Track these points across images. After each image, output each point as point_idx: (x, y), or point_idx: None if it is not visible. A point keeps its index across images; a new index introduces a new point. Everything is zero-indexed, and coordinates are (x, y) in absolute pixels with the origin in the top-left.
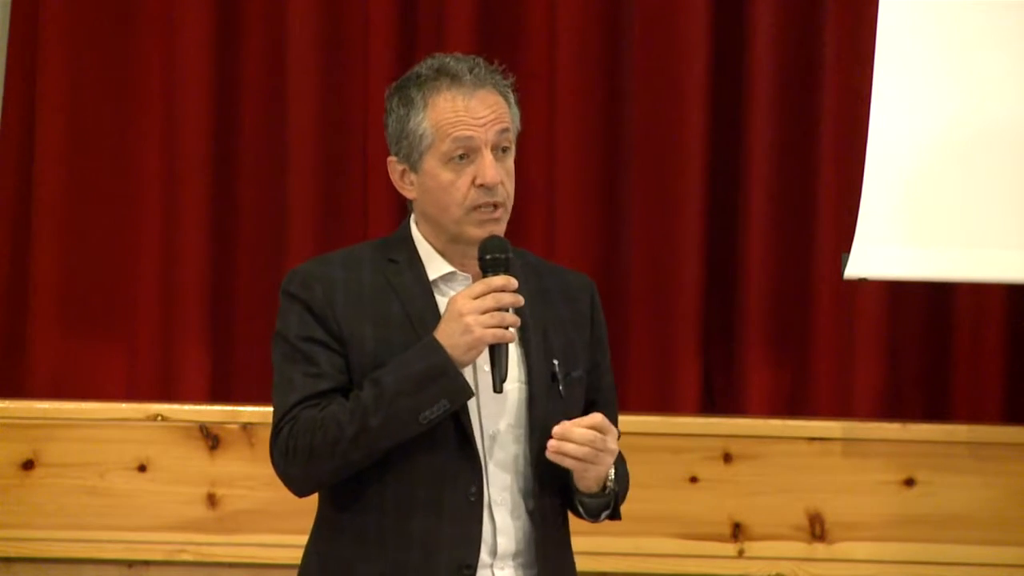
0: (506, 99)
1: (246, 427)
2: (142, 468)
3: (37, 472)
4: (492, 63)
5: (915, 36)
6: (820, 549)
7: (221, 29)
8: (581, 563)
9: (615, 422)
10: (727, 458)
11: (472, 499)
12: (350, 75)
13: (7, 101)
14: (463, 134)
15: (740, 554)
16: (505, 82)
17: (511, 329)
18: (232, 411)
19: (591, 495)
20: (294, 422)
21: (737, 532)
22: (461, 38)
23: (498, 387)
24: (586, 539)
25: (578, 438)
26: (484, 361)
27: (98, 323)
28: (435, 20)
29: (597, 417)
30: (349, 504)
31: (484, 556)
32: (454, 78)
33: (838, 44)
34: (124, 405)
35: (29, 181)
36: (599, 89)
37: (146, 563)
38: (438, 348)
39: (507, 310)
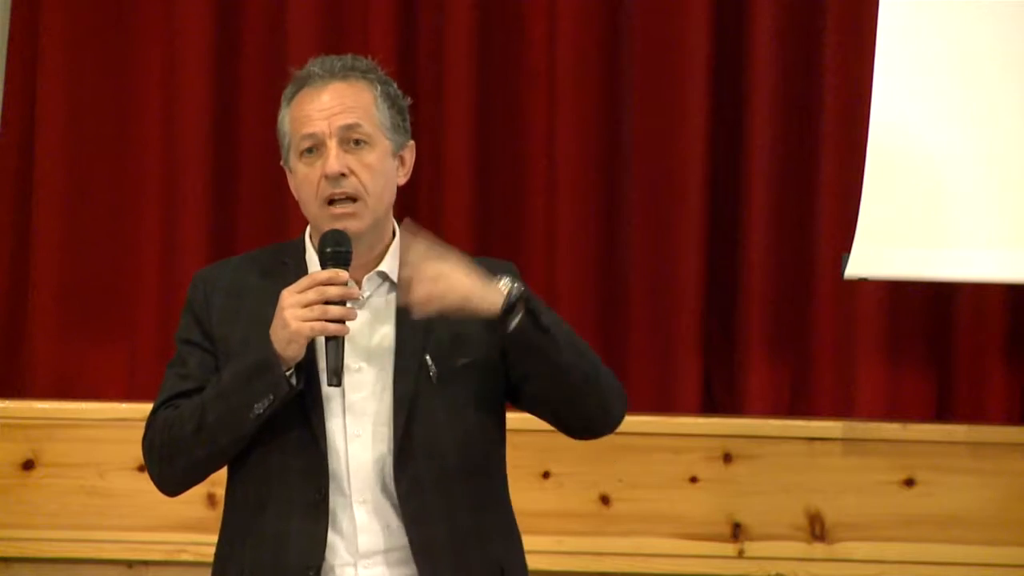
0: (369, 91)
1: None
2: (142, 468)
3: (37, 472)
4: (364, 57)
5: (915, 36)
6: (820, 549)
7: (221, 29)
8: (581, 563)
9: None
10: (727, 458)
11: (319, 498)
12: None
13: (7, 101)
14: (307, 129)
15: (740, 554)
16: (368, 75)
17: (350, 323)
18: None
19: (506, 317)
20: (154, 422)
21: (737, 532)
22: (461, 38)
23: (331, 380)
24: (586, 539)
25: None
26: (352, 359)
27: (98, 323)
28: (435, 20)
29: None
30: (229, 506)
31: (344, 555)
32: (310, 75)
33: (838, 44)
34: (124, 405)
35: (29, 181)
36: (599, 89)
37: (146, 563)
38: (267, 343)
39: (343, 303)
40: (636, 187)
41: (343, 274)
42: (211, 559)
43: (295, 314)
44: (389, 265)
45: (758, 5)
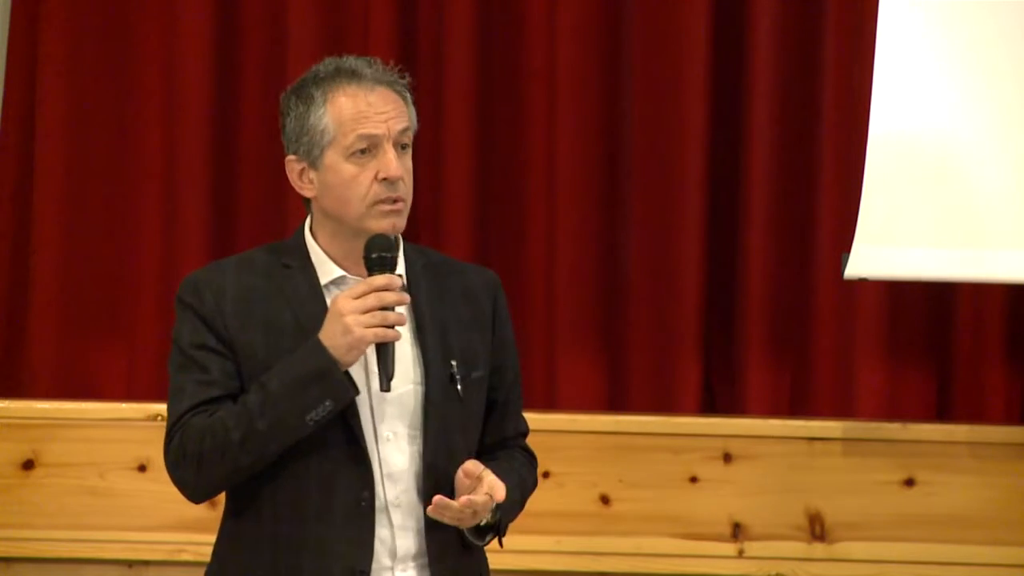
0: (404, 99)
1: None
2: (142, 468)
3: (37, 472)
4: (387, 64)
5: (915, 36)
6: (820, 549)
7: (221, 29)
8: (581, 563)
9: (519, 421)
10: (727, 458)
11: (364, 504)
12: None
13: (7, 101)
14: (367, 130)
15: (740, 554)
16: (402, 82)
17: (399, 328)
18: None
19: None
20: (184, 429)
21: (737, 532)
22: (461, 38)
23: (385, 386)
24: (586, 539)
25: (454, 512)
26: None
27: (98, 323)
28: (435, 20)
29: (477, 469)
30: (246, 510)
31: (384, 559)
32: (353, 74)
33: (838, 44)
34: (124, 405)
35: (29, 181)
36: (599, 89)
37: (146, 563)
38: (321, 349)
39: (392, 309)
40: (636, 187)
41: (398, 280)
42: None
43: (358, 320)
44: (400, 268)
45: (758, 5)
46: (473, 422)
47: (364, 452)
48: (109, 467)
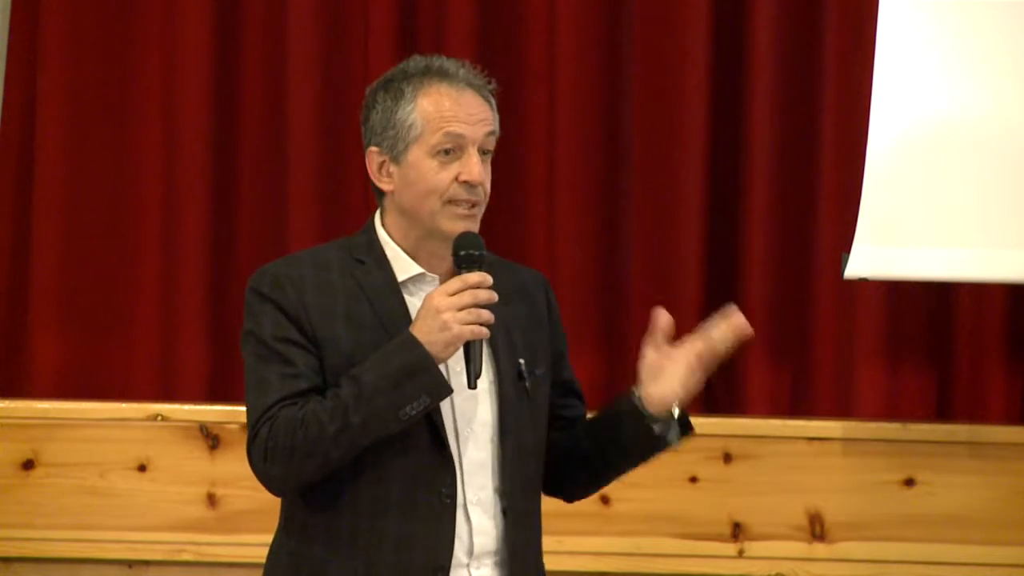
0: (490, 105)
1: (246, 427)
2: (142, 468)
3: (37, 472)
4: (476, 67)
5: (915, 35)
6: (820, 549)
7: (221, 30)
8: (581, 563)
9: (586, 410)
10: (727, 458)
11: (446, 500)
12: (350, 76)
13: (7, 101)
14: (455, 130)
15: (740, 554)
16: (490, 88)
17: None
18: (232, 411)
19: (659, 417)
20: (273, 421)
21: (737, 532)
22: (461, 38)
23: (472, 383)
24: (586, 539)
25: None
26: (454, 362)
27: (98, 323)
28: (435, 20)
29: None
30: (322, 504)
31: (461, 556)
32: (445, 74)
33: (838, 44)
34: (124, 405)
35: (29, 181)
36: (599, 89)
37: (146, 563)
38: (416, 344)
39: (483, 307)
40: (636, 186)
41: (489, 278)
42: (211, 559)
43: (455, 317)
44: None
45: (758, 5)
46: (541, 420)
47: (447, 448)
48: (109, 467)
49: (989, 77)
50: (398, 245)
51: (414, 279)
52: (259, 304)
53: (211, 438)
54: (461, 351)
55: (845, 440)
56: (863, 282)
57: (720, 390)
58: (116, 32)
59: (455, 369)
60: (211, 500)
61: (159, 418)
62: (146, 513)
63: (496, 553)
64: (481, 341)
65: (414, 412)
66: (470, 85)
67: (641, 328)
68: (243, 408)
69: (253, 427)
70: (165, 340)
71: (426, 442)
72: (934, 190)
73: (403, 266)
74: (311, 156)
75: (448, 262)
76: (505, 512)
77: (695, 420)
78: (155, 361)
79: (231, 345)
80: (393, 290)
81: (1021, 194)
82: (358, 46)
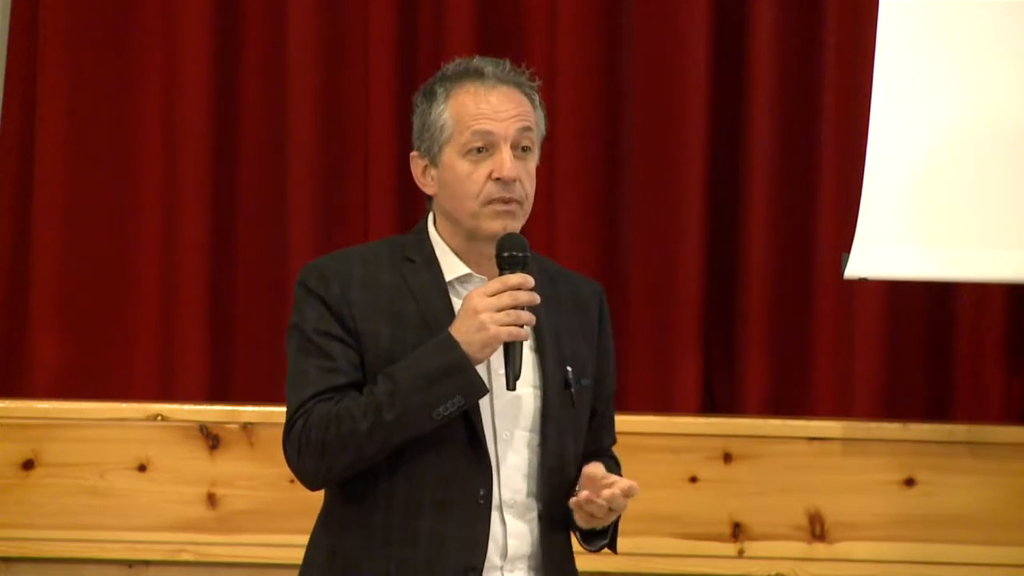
0: (530, 100)
1: (246, 427)
2: (142, 468)
3: (37, 472)
4: (519, 67)
5: (915, 36)
6: (820, 549)
7: (221, 31)
8: (580, 563)
9: (613, 432)
10: (727, 458)
11: (481, 501)
12: (350, 76)
13: (7, 101)
14: (483, 127)
15: (740, 554)
16: (531, 84)
17: (526, 328)
18: (232, 411)
19: (591, 530)
20: (308, 415)
21: (737, 532)
22: (461, 39)
23: (511, 385)
24: None
25: (595, 508)
26: (498, 364)
27: (98, 323)
28: (435, 21)
29: (624, 483)
30: (359, 500)
31: (495, 558)
32: (476, 73)
33: (838, 44)
34: (124, 405)
35: (29, 181)
36: (599, 89)
37: (146, 563)
38: (454, 344)
39: (523, 308)
40: (636, 187)
41: (530, 279)
42: (211, 559)
43: (493, 318)
44: None
45: (758, 6)
46: (582, 430)
47: (484, 449)
48: (109, 467)
49: (989, 77)
50: (447, 245)
51: (461, 279)
52: (304, 297)
53: (211, 438)
54: (501, 352)
55: (845, 440)
56: (863, 282)
57: (720, 390)
58: (116, 32)
59: (498, 371)
60: (211, 500)
61: (159, 418)
62: (146, 513)
63: (531, 557)
64: (521, 343)
65: (448, 412)
66: (502, 82)
67: (641, 328)
68: (242, 408)
69: (290, 420)
70: (165, 340)
71: (463, 443)
72: (933, 190)
73: (451, 266)
74: (311, 157)
75: (492, 261)
76: (541, 517)
77: (694, 420)
78: (155, 361)
79: (231, 345)
80: (440, 290)
81: (1021, 194)
82: (358, 46)
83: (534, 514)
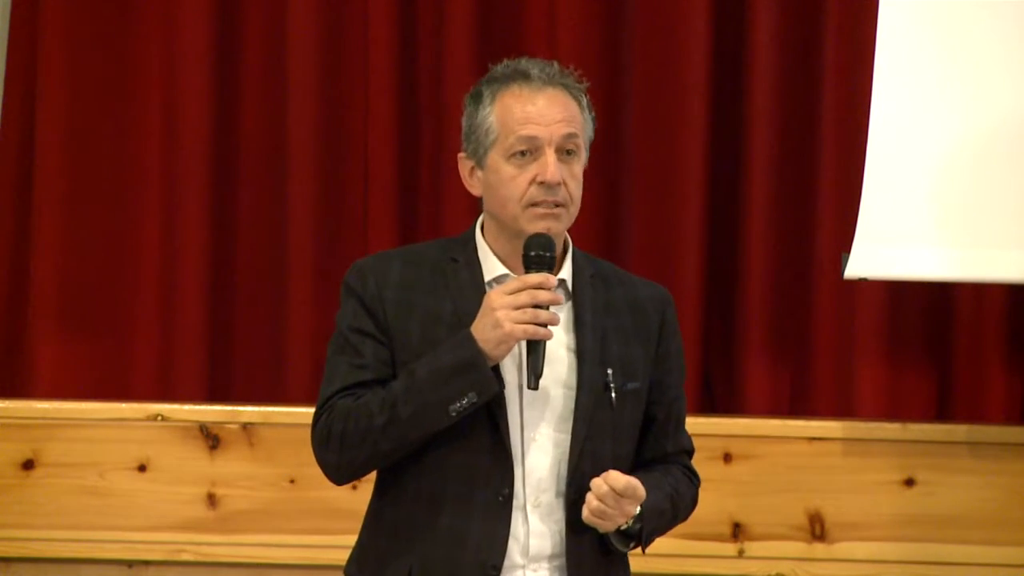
0: (578, 103)
1: (246, 427)
2: (142, 468)
3: (37, 472)
4: (568, 68)
5: (915, 36)
6: (820, 549)
7: (221, 30)
8: None
9: (680, 438)
10: (727, 458)
11: (502, 499)
12: (350, 76)
13: (7, 101)
14: (527, 132)
15: (740, 554)
16: (578, 85)
17: (554, 330)
18: (232, 411)
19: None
20: (331, 410)
21: (737, 532)
22: (461, 39)
23: (532, 384)
24: None
25: (593, 505)
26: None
27: (98, 323)
28: (435, 21)
29: (621, 481)
30: (389, 495)
31: (516, 556)
32: (523, 75)
33: (838, 44)
34: (124, 405)
35: (29, 181)
36: (599, 89)
37: (146, 563)
38: (470, 341)
39: (546, 308)
40: (636, 186)
41: (553, 279)
42: (211, 559)
43: (508, 315)
44: (566, 273)
45: (758, 5)
46: (626, 433)
47: (507, 448)
48: (109, 467)
49: (989, 77)
50: (492, 245)
51: (499, 279)
52: (345, 296)
53: (211, 438)
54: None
55: (845, 440)
56: (863, 282)
57: (720, 390)
58: (116, 31)
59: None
60: (211, 500)
61: (159, 418)
62: (146, 513)
63: (555, 558)
64: (544, 343)
65: (462, 408)
66: (548, 84)
67: None
68: (242, 408)
69: (316, 414)
70: (165, 340)
71: (486, 440)
72: (934, 190)
73: (491, 266)
74: (311, 157)
75: None
76: (569, 518)
77: (695, 420)
78: (155, 361)
79: (231, 345)
80: (477, 290)
81: (1021, 194)
82: (358, 46)
83: (561, 515)
